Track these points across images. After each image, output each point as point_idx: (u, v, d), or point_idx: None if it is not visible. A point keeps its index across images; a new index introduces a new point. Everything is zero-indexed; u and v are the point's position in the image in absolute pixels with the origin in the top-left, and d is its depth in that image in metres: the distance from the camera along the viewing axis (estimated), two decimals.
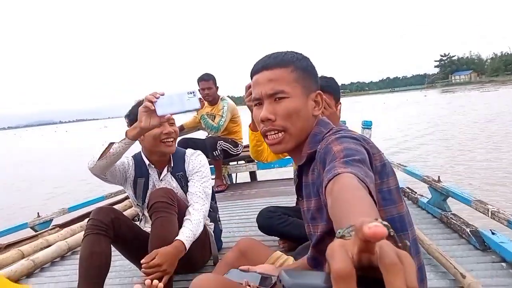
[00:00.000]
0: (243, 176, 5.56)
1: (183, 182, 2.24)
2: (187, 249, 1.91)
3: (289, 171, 4.88)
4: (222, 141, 4.51)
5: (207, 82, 4.54)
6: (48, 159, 19.52)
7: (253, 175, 5.45)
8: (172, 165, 2.23)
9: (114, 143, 1.86)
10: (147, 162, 2.22)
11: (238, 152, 4.74)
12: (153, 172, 2.24)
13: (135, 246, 2.09)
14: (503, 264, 2.06)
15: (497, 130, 12.45)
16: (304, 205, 1.17)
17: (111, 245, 1.99)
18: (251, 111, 1.42)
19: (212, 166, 4.53)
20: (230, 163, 4.99)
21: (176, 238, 1.89)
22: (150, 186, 2.25)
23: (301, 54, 1.16)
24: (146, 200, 2.25)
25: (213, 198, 2.54)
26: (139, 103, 1.89)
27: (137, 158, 2.26)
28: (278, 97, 1.10)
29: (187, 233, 1.94)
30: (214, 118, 4.66)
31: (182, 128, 4.97)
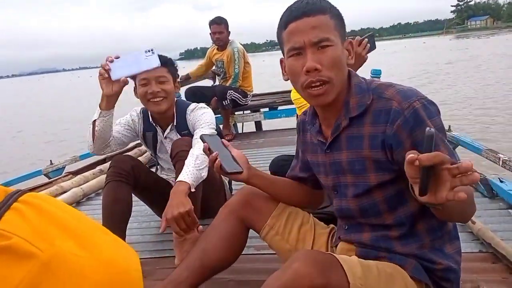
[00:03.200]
0: (248, 126, 5.57)
1: None
2: (196, 186, 1.83)
3: (293, 121, 4.87)
4: (232, 91, 4.46)
5: (219, 25, 4.40)
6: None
7: (258, 125, 5.43)
8: (175, 122, 2.19)
9: (95, 120, 1.86)
10: (150, 119, 2.22)
11: (246, 103, 4.71)
12: (158, 129, 2.24)
13: (154, 192, 2.16)
14: (510, 210, 2.13)
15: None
16: (342, 156, 1.18)
17: (132, 191, 2.05)
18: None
19: (219, 115, 4.53)
20: (236, 113, 4.98)
21: (178, 179, 1.81)
22: (158, 141, 2.27)
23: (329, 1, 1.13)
24: (159, 152, 2.30)
25: None
26: None
27: (144, 112, 2.25)
28: (322, 45, 1.06)
29: (186, 171, 1.81)
30: (223, 64, 4.58)
31: (188, 77, 4.90)
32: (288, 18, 1.10)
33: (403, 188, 1.08)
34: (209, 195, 2.08)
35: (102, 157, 3.55)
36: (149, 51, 1.58)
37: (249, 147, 4.25)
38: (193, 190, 1.80)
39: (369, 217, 1.19)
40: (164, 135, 2.22)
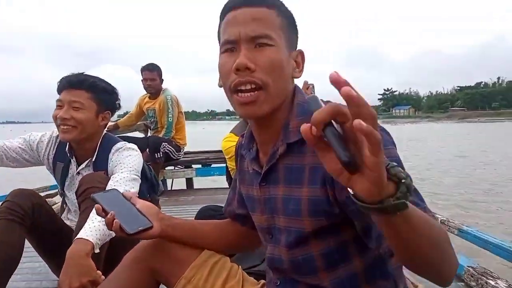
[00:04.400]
0: (178, 183, 5.25)
1: None
2: (100, 245, 1.47)
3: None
4: (166, 143, 4.19)
5: (151, 72, 4.22)
6: None
7: (189, 182, 5.16)
8: (94, 158, 1.85)
9: None
10: (67, 148, 1.89)
11: (179, 157, 4.45)
12: (73, 161, 1.90)
13: (53, 242, 1.75)
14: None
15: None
16: (278, 191, 0.96)
17: (25, 237, 1.65)
18: None
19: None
20: (167, 168, 4.68)
21: (77, 236, 1.44)
22: (69, 175, 1.92)
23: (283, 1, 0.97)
24: (66, 189, 1.94)
25: (155, 192, 2.29)
26: None
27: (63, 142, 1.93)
28: (261, 43, 0.88)
29: (90, 225, 1.46)
30: (155, 113, 4.33)
31: (116, 127, 4.59)
32: (228, 6, 0.93)
33: (346, 241, 0.89)
34: (119, 245, 1.72)
35: None
36: None
37: (176, 204, 3.97)
38: (97, 251, 1.43)
39: (303, 274, 0.95)
40: (78, 170, 1.87)
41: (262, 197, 1.01)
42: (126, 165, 1.78)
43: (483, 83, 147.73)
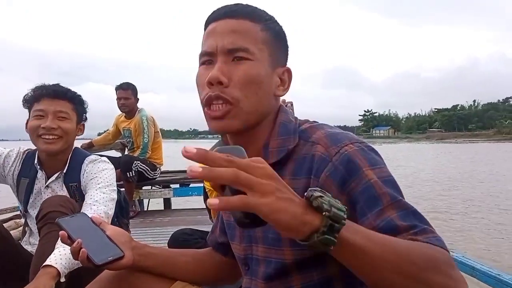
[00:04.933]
0: (156, 203, 5.09)
1: (77, 195, 1.77)
2: (66, 273, 1.36)
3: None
4: (139, 162, 4.06)
5: (125, 91, 4.14)
6: None
7: (167, 202, 5.00)
8: (65, 170, 1.78)
9: None
10: (35, 160, 1.78)
11: (154, 176, 4.31)
12: (40, 175, 1.79)
13: (8, 269, 1.61)
14: None
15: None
16: None
17: None
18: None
19: (123, 189, 4.06)
20: (143, 187, 4.53)
21: (45, 263, 1.34)
22: (34, 191, 1.80)
23: (274, 17, 0.92)
24: (30, 207, 1.81)
25: (124, 216, 2.16)
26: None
27: (30, 154, 1.83)
28: (238, 57, 0.83)
29: (59, 252, 1.37)
30: (131, 133, 4.22)
31: (90, 145, 4.46)
32: (210, 17, 0.88)
33: (332, 276, 0.82)
34: (81, 273, 1.59)
35: None
36: None
37: (151, 225, 3.82)
38: (62, 280, 1.33)
39: None
40: (47, 183, 1.77)
41: None
42: (102, 180, 1.72)
43: (459, 105, 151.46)
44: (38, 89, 1.73)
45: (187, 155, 0.52)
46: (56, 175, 1.78)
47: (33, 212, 1.80)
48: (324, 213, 0.55)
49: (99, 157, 1.85)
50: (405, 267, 0.60)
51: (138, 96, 4.30)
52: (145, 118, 4.14)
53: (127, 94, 4.14)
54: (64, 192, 1.78)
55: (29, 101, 1.74)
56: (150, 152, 4.19)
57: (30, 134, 1.71)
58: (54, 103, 1.70)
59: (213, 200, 0.53)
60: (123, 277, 0.99)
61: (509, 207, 8.37)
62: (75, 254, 0.91)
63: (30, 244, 1.81)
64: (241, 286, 0.99)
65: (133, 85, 4.21)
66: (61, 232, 0.94)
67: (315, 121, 0.92)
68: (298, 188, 0.80)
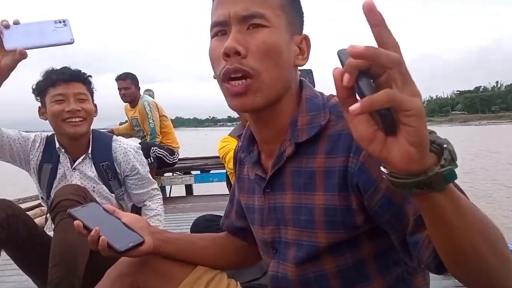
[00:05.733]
0: (178, 190, 5.12)
1: (110, 174, 1.81)
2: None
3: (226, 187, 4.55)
4: (156, 147, 4.06)
5: (124, 81, 4.14)
6: None
7: (189, 188, 5.04)
8: (90, 151, 1.80)
9: None
10: (57, 145, 1.78)
11: (174, 161, 4.31)
12: (64, 159, 1.79)
13: (33, 256, 1.60)
14: None
15: None
16: (286, 199, 0.83)
17: (2, 250, 1.52)
18: None
19: None
20: (165, 174, 4.56)
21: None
22: (58, 176, 1.79)
23: None
24: (53, 194, 1.79)
25: None
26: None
27: (49, 139, 1.82)
28: (254, 24, 0.76)
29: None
30: (138, 121, 4.25)
31: (112, 133, 4.49)
32: None
33: (366, 257, 0.79)
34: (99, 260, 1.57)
35: None
36: (60, 21, 1.20)
37: (174, 211, 3.82)
38: None
39: None
40: (73, 166, 1.78)
41: (267, 206, 0.88)
42: (147, 178, 1.90)
43: (482, 87, 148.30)
44: (51, 74, 1.72)
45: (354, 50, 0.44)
46: (82, 157, 1.79)
47: None
48: (444, 145, 0.49)
49: (124, 139, 1.91)
50: (493, 237, 0.56)
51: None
52: (146, 103, 4.15)
53: (126, 84, 4.14)
54: (93, 172, 1.79)
55: (42, 87, 1.72)
56: (160, 137, 4.20)
57: (52, 119, 1.71)
58: (71, 86, 1.70)
59: (354, 106, 0.45)
60: (145, 260, 0.97)
61: None
62: (94, 243, 0.89)
63: (51, 231, 1.82)
64: (266, 271, 0.95)
65: (132, 74, 4.20)
66: (75, 222, 0.93)
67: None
68: (335, 168, 0.75)
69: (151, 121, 4.12)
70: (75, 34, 1.16)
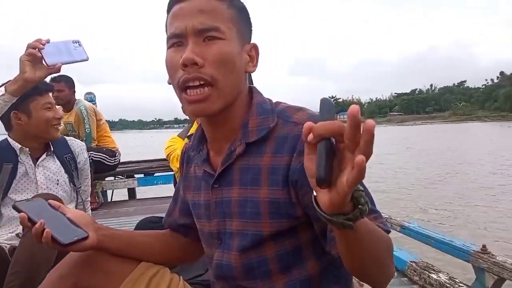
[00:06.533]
0: (119, 194, 4.99)
1: (72, 165, 1.98)
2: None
3: (171, 189, 4.50)
4: (92, 152, 3.81)
5: (57, 83, 3.76)
6: None
7: (131, 192, 4.91)
8: (52, 149, 1.93)
9: None
10: (18, 146, 1.84)
11: (115, 163, 4.12)
12: (26, 158, 1.86)
13: None
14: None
15: None
16: (232, 193, 0.90)
17: None
18: None
19: None
20: (106, 178, 4.40)
21: None
22: (18, 174, 1.82)
23: None
24: (12, 193, 1.81)
25: None
26: None
27: (5, 141, 1.88)
28: (210, 36, 0.83)
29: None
30: (72, 126, 4.00)
31: None
32: None
33: (303, 243, 0.88)
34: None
35: None
36: (75, 42, 1.43)
37: (116, 215, 3.73)
38: None
39: (255, 279, 0.90)
40: (37, 163, 1.87)
41: (214, 200, 0.94)
42: (87, 173, 2.08)
43: (418, 89, 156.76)
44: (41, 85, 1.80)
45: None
46: (44, 154, 1.90)
47: (15, 195, 1.81)
48: (359, 206, 0.59)
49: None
50: (381, 254, 0.74)
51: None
52: (83, 108, 3.93)
53: (60, 86, 3.81)
54: (58, 165, 1.92)
55: (27, 94, 1.69)
56: (96, 142, 4.01)
57: (40, 124, 1.82)
58: (50, 95, 1.89)
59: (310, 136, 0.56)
60: (88, 259, 0.98)
61: None
62: (38, 235, 0.90)
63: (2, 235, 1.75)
64: (212, 261, 0.99)
65: (67, 77, 3.92)
66: (21, 214, 0.93)
67: (285, 103, 0.96)
68: (280, 165, 0.84)
69: (87, 126, 3.92)
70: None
